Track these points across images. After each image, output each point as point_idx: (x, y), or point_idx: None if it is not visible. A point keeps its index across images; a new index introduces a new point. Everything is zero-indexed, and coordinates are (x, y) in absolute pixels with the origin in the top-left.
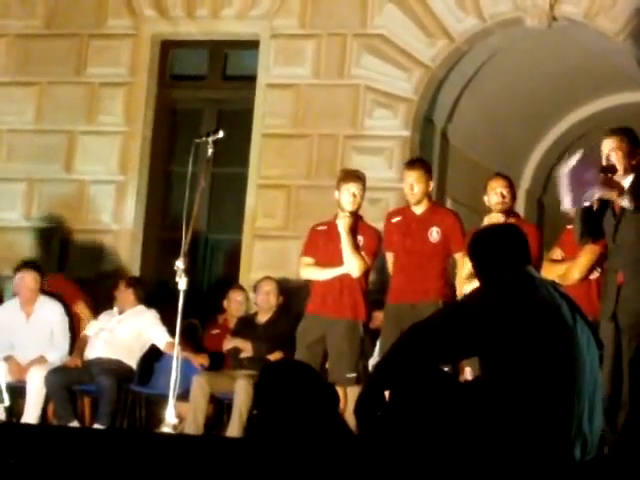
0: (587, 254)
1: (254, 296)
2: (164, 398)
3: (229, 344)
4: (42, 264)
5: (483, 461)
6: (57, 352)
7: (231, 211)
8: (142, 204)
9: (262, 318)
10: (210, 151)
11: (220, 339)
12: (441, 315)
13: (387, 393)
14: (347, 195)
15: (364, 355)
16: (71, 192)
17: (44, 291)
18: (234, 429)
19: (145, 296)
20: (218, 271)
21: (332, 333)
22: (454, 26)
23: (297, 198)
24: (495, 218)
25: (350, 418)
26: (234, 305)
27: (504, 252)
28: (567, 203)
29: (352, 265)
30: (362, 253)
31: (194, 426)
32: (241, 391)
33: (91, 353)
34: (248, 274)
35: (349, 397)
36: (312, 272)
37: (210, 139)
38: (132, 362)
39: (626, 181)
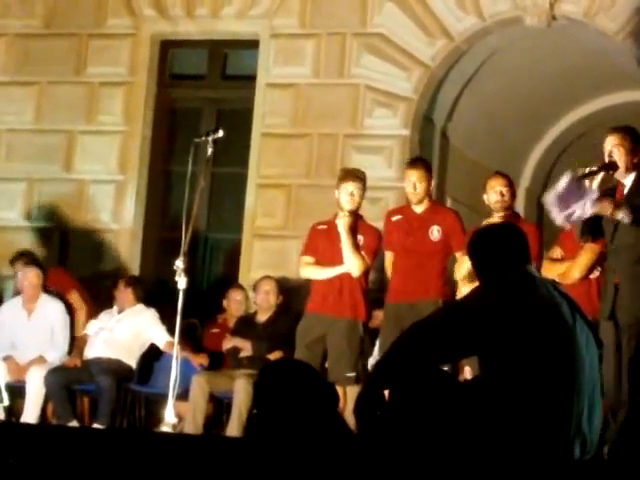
0: (587, 253)
1: (254, 295)
2: (163, 397)
3: (229, 343)
4: (42, 263)
5: (483, 460)
6: (56, 351)
7: (231, 210)
8: (142, 204)
9: (262, 317)
10: (210, 150)
11: (220, 338)
12: (441, 314)
13: (387, 392)
14: (345, 194)
15: (363, 354)
16: (71, 192)
17: (46, 290)
18: (233, 428)
19: (144, 295)
20: (218, 270)
21: (332, 332)
22: (454, 25)
23: (297, 197)
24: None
25: (349, 417)
26: (234, 304)
27: (504, 251)
28: (560, 220)
29: (352, 265)
30: (362, 252)
31: (193, 426)
32: (240, 390)
33: (90, 353)
34: (248, 273)
35: (348, 396)
36: (312, 271)
37: (210, 138)
38: (131, 361)
39: (627, 179)
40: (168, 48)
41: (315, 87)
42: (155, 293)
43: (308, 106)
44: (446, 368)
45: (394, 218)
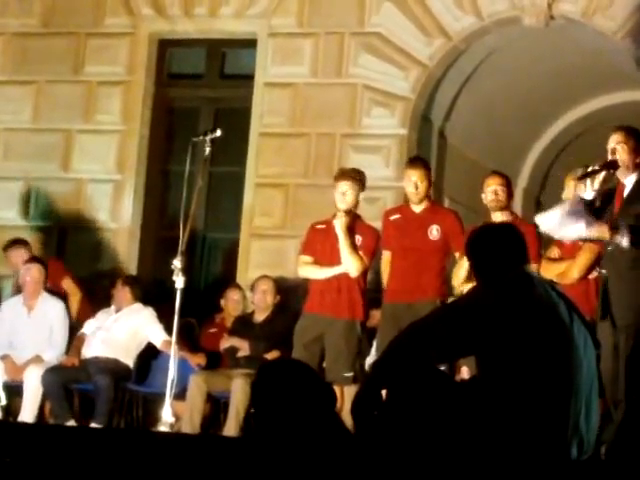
0: (586, 253)
1: (251, 295)
2: (161, 397)
3: (226, 343)
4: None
5: (480, 460)
6: (54, 350)
7: (229, 210)
8: (140, 203)
9: (259, 317)
10: (208, 150)
11: (217, 338)
12: (439, 314)
13: (384, 392)
14: (338, 194)
15: (361, 354)
16: (68, 191)
17: (47, 290)
18: (231, 428)
19: (142, 294)
20: (215, 270)
21: (330, 332)
22: (452, 25)
23: (295, 197)
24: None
25: (347, 417)
26: (231, 304)
27: (502, 251)
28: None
29: (350, 265)
30: (360, 253)
31: (191, 425)
32: (238, 390)
33: (88, 352)
34: (245, 273)
35: (346, 396)
36: (310, 271)
37: (208, 138)
38: (129, 361)
39: (628, 180)
40: (166, 47)
41: (313, 86)
42: (153, 292)
43: (306, 105)
44: (443, 368)
45: (392, 217)
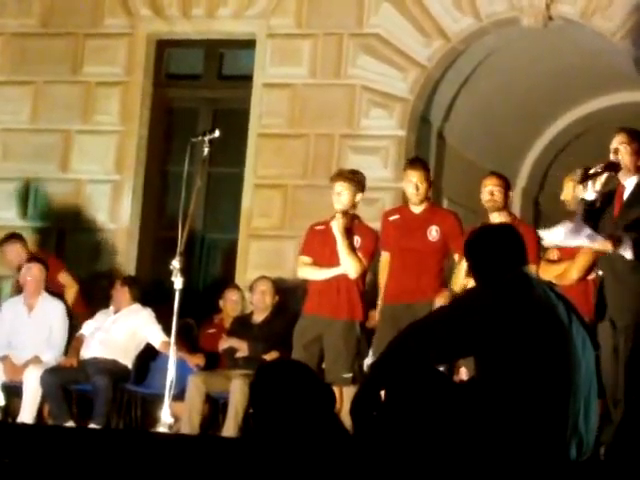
0: (586, 254)
1: (250, 296)
2: (160, 398)
3: (225, 344)
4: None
5: (479, 461)
6: (53, 351)
7: (227, 210)
8: (138, 203)
9: (258, 318)
10: (206, 150)
11: (216, 339)
12: (437, 315)
13: (383, 393)
14: (334, 195)
15: (360, 355)
16: (67, 191)
17: (49, 291)
18: (230, 429)
19: (141, 295)
20: (214, 270)
21: (329, 333)
22: (450, 26)
23: (293, 198)
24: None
25: (346, 418)
26: (230, 305)
27: (500, 252)
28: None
29: (349, 267)
30: (359, 254)
31: (190, 426)
32: (237, 391)
33: (87, 353)
34: (244, 274)
35: (345, 397)
36: (309, 272)
37: (206, 138)
38: (128, 361)
39: (629, 182)
40: (164, 48)
41: (311, 87)
42: (151, 293)
43: (304, 106)
44: (442, 369)
45: (391, 218)
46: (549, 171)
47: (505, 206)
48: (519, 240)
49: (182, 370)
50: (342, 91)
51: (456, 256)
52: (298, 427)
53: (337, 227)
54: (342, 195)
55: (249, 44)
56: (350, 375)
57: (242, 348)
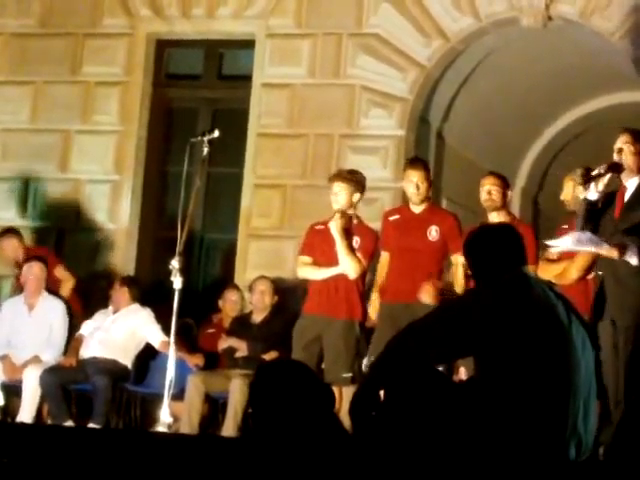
0: (585, 254)
1: (249, 296)
2: (159, 397)
3: (224, 343)
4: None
5: (478, 461)
6: (52, 350)
7: (226, 211)
8: (137, 203)
9: (257, 318)
10: (205, 150)
11: (215, 338)
12: (436, 314)
13: (382, 393)
14: (332, 195)
15: (360, 355)
16: (66, 191)
17: (50, 291)
18: (229, 428)
19: (140, 295)
20: (213, 270)
21: (328, 333)
22: (450, 26)
23: (292, 198)
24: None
25: (345, 418)
26: (229, 304)
27: (500, 252)
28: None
29: (348, 267)
30: (358, 254)
31: (189, 425)
32: (236, 390)
33: (86, 353)
34: (243, 274)
35: (345, 397)
36: (309, 271)
37: (205, 138)
38: (127, 361)
39: (630, 182)
40: (164, 48)
41: (311, 87)
42: (151, 293)
43: (304, 106)
44: (441, 369)
45: (392, 218)
46: (548, 171)
47: (504, 206)
48: (518, 240)
49: (181, 370)
50: (341, 91)
51: (452, 257)
52: (297, 427)
53: (335, 228)
54: (339, 195)
55: (248, 44)
56: (349, 375)
57: (241, 348)
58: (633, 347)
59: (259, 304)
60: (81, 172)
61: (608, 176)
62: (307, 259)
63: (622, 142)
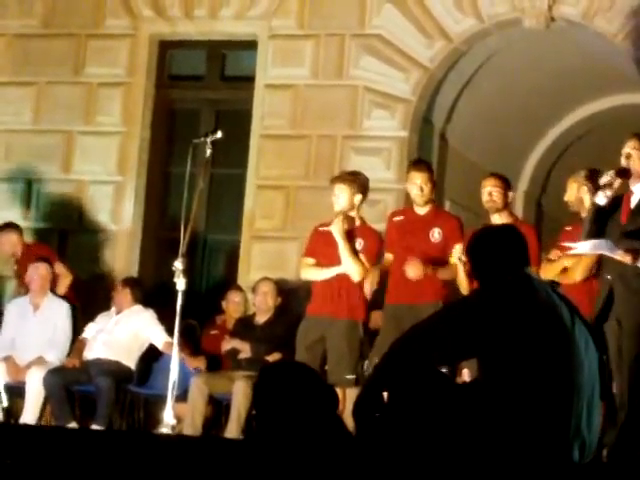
0: (590, 255)
1: (252, 297)
2: (162, 399)
3: (227, 345)
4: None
5: (481, 463)
6: (56, 351)
7: (230, 212)
8: (140, 205)
9: (260, 319)
10: (208, 152)
11: (218, 340)
12: (440, 316)
13: (385, 394)
14: (333, 197)
15: (363, 356)
16: (69, 192)
17: (54, 292)
18: (232, 430)
19: (142, 296)
20: (216, 272)
21: (331, 333)
22: (452, 27)
23: (295, 199)
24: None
25: (349, 420)
26: (232, 306)
27: (503, 253)
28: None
29: (351, 270)
30: (362, 256)
31: (192, 427)
32: (239, 392)
33: (90, 354)
34: (247, 275)
35: (348, 398)
36: (312, 273)
37: (208, 140)
38: (131, 363)
39: (637, 187)
40: (167, 49)
41: (314, 88)
42: (154, 294)
43: (307, 107)
44: (444, 370)
45: (396, 219)
46: (552, 172)
47: (505, 207)
48: (521, 241)
49: (185, 371)
50: (344, 92)
51: (450, 259)
52: (301, 428)
53: (337, 230)
54: (340, 197)
55: (251, 45)
56: (353, 376)
57: (244, 349)
58: (637, 349)
59: (262, 305)
60: (84, 173)
61: (617, 182)
62: (310, 261)
63: (631, 147)
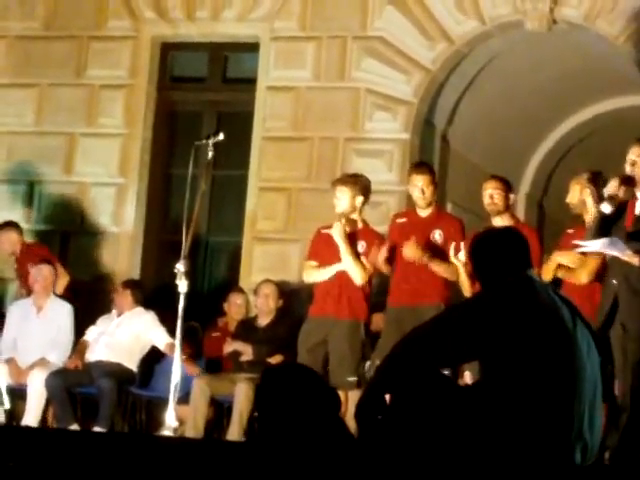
0: (596, 258)
1: (254, 299)
2: (164, 401)
3: (229, 347)
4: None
5: (483, 465)
6: (59, 352)
7: (231, 214)
8: (142, 207)
9: (262, 321)
10: (210, 154)
11: (220, 342)
12: (442, 318)
13: (388, 397)
14: (334, 199)
15: (364, 358)
16: (71, 194)
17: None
18: (234, 432)
19: (143, 298)
20: (218, 274)
21: (333, 335)
22: (454, 29)
23: (297, 201)
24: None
25: (351, 422)
26: (234, 308)
27: (505, 255)
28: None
29: (354, 273)
30: (363, 259)
31: (194, 429)
32: (241, 394)
33: (92, 356)
34: (248, 277)
35: (350, 401)
36: (313, 274)
37: (210, 141)
38: (133, 365)
39: None
40: (168, 51)
41: (315, 90)
42: (156, 296)
43: (308, 109)
44: (447, 373)
45: (399, 221)
46: (553, 175)
47: (507, 209)
48: (523, 243)
49: (186, 373)
50: (346, 94)
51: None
52: (303, 431)
53: (337, 233)
54: (341, 199)
55: (253, 47)
56: (355, 379)
57: (246, 352)
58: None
59: (264, 308)
60: (86, 175)
61: (622, 190)
62: (313, 264)
63: (636, 155)
